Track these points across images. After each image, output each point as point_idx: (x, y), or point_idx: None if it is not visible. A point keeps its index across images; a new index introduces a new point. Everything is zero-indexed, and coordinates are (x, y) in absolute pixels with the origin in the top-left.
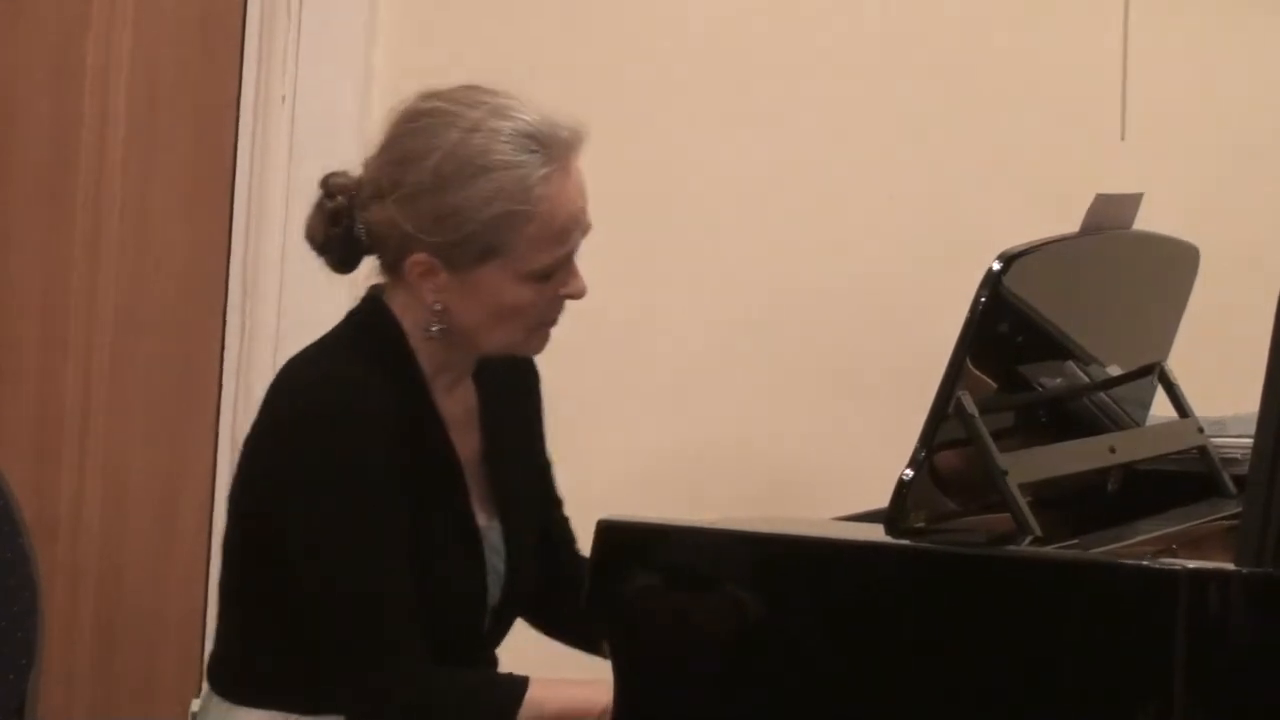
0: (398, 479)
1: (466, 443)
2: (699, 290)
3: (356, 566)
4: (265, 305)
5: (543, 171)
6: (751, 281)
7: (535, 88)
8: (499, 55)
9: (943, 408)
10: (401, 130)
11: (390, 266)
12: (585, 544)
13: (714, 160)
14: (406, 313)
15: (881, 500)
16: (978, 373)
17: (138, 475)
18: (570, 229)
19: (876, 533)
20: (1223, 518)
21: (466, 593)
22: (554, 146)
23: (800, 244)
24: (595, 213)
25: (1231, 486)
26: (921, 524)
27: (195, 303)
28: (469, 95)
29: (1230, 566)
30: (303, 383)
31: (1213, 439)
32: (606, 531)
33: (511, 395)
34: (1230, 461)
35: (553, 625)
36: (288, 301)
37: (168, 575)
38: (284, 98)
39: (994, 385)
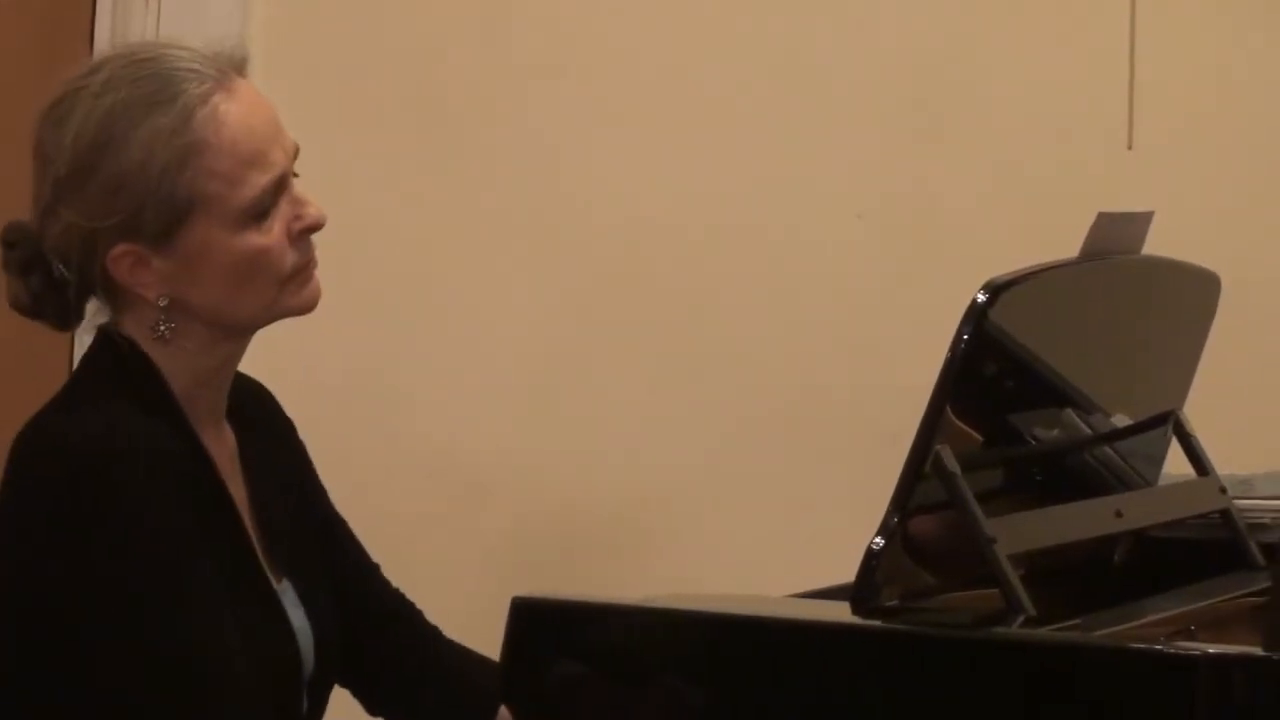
0: (194, 527)
1: (235, 491)
2: (633, 324)
3: (184, 630)
4: None
5: (198, 93)
6: (693, 312)
7: (455, 78)
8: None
9: (919, 464)
10: (38, 134)
11: (102, 287)
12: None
13: (658, 174)
14: (145, 335)
15: (846, 574)
16: (960, 423)
17: None
18: (263, 149)
19: (841, 612)
20: (1249, 594)
21: (281, 667)
22: (202, 70)
23: (753, 269)
24: (535, 231)
25: (1260, 557)
26: (894, 601)
27: (33, 346)
28: (92, 64)
29: (1258, 651)
30: (54, 441)
31: (1237, 500)
32: (523, 610)
33: (266, 439)
34: (1258, 527)
35: None
36: None
37: None
38: None
39: (979, 438)
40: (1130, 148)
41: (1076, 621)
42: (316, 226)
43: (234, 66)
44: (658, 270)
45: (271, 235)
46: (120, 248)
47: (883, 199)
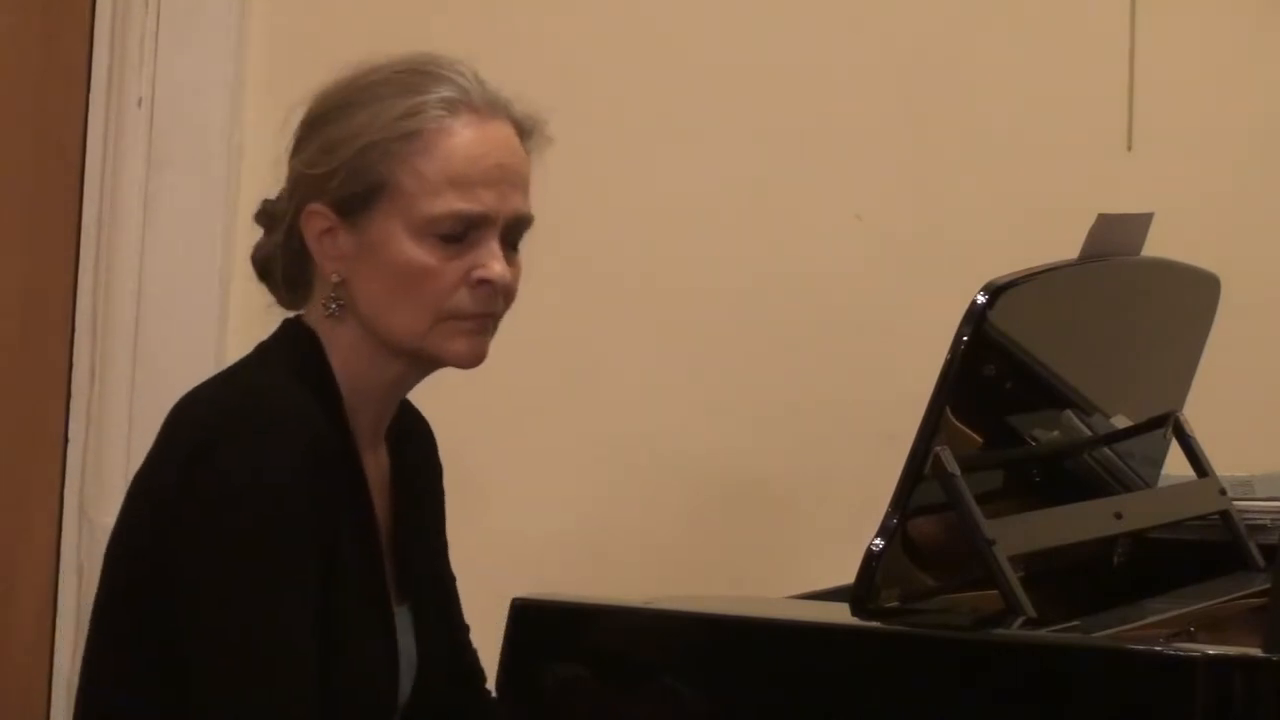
0: (325, 521)
1: (380, 510)
2: (637, 327)
3: (266, 612)
4: (119, 347)
5: (446, 98)
6: (691, 312)
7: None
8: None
9: (918, 466)
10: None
11: (300, 251)
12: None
13: (657, 176)
14: (320, 319)
15: (846, 574)
16: (959, 424)
17: None
18: (474, 180)
19: (841, 613)
20: (1249, 595)
21: (378, 687)
22: (470, 91)
23: (752, 270)
24: (531, 232)
25: (1259, 558)
26: (894, 603)
27: (33, 346)
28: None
29: (1257, 652)
30: (218, 398)
31: (1237, 502)
32: (523, 612)
33: (420, 475)
34: (1257, 529)
35: None
36: (146, 343)
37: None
38: (140, 100)
39: (979, 439)
40: (1130, 148)
41: (1076, 623)
42: (489, 281)
43: (513, 118)
44: (656, 270)
45: (446, 263)
46: (314, 205)
47: (882, 200)
